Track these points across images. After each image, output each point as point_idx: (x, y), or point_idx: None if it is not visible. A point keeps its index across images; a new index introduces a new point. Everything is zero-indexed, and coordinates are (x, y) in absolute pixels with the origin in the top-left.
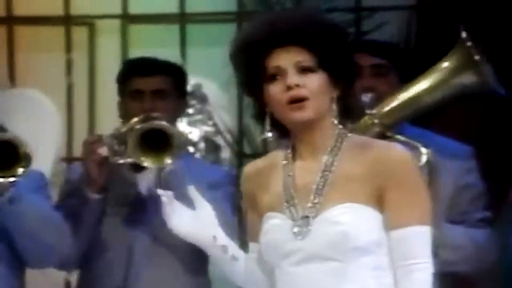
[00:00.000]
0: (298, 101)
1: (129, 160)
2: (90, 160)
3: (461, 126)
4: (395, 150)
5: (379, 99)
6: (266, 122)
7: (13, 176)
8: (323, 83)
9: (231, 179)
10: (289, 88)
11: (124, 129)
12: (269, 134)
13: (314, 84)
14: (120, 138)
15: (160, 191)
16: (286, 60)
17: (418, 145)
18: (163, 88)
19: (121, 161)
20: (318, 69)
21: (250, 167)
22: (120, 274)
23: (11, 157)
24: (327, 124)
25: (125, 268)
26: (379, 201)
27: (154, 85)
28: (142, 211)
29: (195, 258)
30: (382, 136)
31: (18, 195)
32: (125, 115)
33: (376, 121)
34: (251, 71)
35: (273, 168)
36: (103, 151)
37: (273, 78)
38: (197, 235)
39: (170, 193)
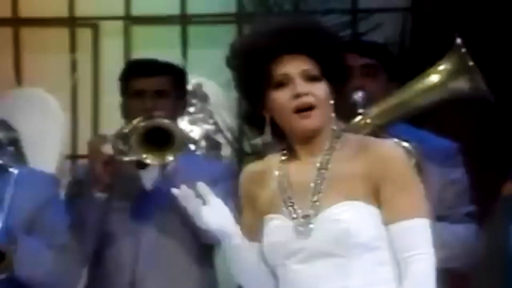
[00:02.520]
0: (305, 109)
1: (133, 157)
2: (95, 160)
3: (455, 125)
4: (389, 148)
5: (369, 98)
6: (267, 126)
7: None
8: (327, 91)
9: (231, 174)
10: (297, 96)
11: (127, 130)
12: (269, 138)
13: (320, 92)
14: (123, 138)
15: (176, 191)
16: (294, 68)
17: (409, 147)
18: (164, 88)
19: (126, 159)
20: (322, 78)
21: (248, 169)
22: (128, 269)
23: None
24: (327, 130)
25: (133, 262)
26: (376, 198)
27: (155, 85)
28: (147, 206)
29: (201, 250)
30: (374, 136)
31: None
32: (127, 114)
33: (368, 121)
34: (255, 76)
35: (269, 171)
36: (108, 149)
37: (279, 85)
38: (223, 226)
39: (190, 191)
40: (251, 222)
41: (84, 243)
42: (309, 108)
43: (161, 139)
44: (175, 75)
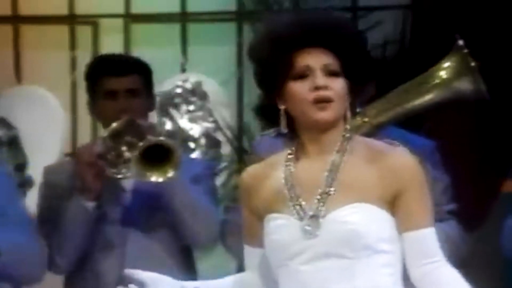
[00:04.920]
0: (323, 101)
1: (130, 175)
2: (85, 170)
3: (454, 123)
4: (405, 158)
5: None
6: (282, 117)
7: None
8: (345, 88)
9: (212, 172)
10: (317, 88)
11: (107, 134)
12: (284, 130)
13: (339, 87)
14: (107, 144)
15: None
16: (316, 61)
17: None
18: (135, 87)
19: (119, 176)
20: (341, 74)
21: (249, 171)
22: (115, 272)
23: None
24: (339, 128)
25: (119, 266)
26: (390, 204)
27: (127, 85)
28: (128, 206)
29: (184, 253)
30: (369, 136)
31: None
32: (99, 115)
33: (366, 120)
34: (277, 64)
35: (273, 170)
36: (98, 158)
37: (299, 76)
38: None
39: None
40: (252, 223)
41: (72, 249)
42: (327, 100)
43: (156, 154)
44: (143, 73)
